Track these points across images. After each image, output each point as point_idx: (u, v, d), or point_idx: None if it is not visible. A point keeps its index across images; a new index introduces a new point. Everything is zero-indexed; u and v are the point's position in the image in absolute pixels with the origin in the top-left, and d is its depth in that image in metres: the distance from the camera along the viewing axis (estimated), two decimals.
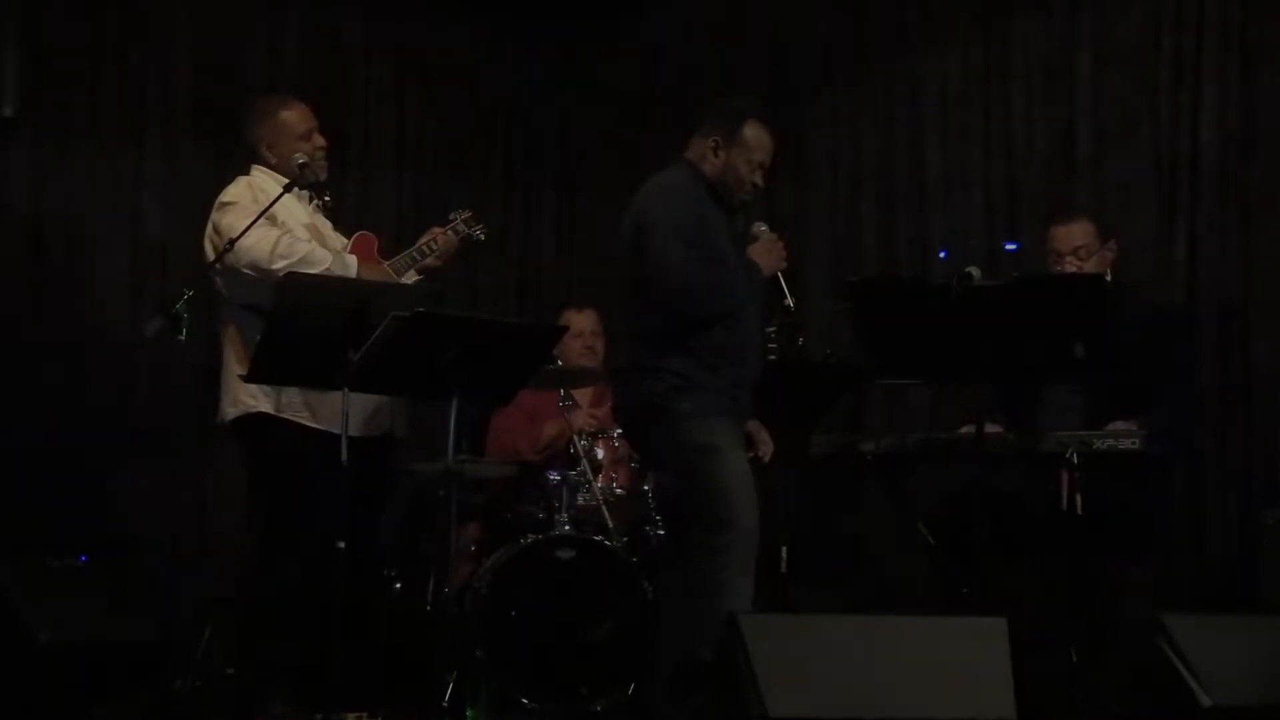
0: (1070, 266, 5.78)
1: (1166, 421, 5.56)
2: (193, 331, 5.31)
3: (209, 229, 5.77)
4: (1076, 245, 5.83)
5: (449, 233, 6.09)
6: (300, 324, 5.19)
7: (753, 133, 5.31)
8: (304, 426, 5.66)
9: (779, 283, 5.32)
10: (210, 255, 5.67)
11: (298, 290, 5.26)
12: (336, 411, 5.26)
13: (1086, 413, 5.69)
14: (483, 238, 6.34)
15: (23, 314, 7.45)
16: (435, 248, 6.02)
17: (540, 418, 6.92)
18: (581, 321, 7.08)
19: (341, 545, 5.09)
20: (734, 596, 4.92)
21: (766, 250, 5.30)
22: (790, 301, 5.33)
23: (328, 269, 5.64)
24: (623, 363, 5.41)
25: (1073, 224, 5.92)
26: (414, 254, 5.99)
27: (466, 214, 6.23)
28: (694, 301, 5.08)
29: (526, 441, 6.86)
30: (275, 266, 5.52)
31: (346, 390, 5.18)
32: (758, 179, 5.33)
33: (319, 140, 5.97)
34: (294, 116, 5.95)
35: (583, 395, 7.03)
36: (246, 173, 5.95)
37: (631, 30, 8.91)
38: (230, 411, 5.76)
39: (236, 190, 5.82)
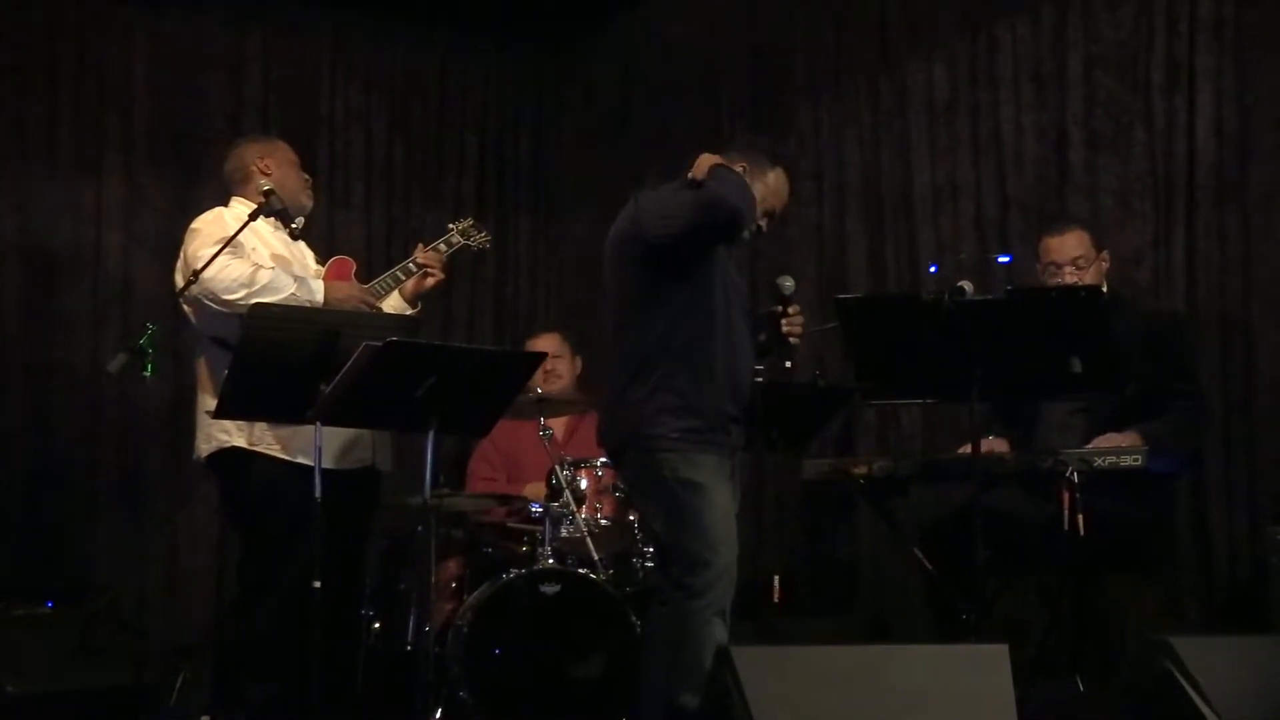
0: (1070, 278, 5.68)
1: (1170, 436, 5.45)
2: (158, 367, 5.19)
3: (180, 258, 5.71)
4: (1075, 255, 5.74)
5: (433, 250, 6.00)
6: (268, 356, 5.08)
7: (777, 178, 5.17)
8: (279, 460, 5.58)
9: (788, 348, 5.14)
10: (179, 284, 5.60)
11: (264, 321, 5.14)
12: (310, 443, 5.18)
13: (1088, 432, 5.57)
14: (488, 246, 6.38)
15: None
16: (418, 266, 5.92)
17: (518, 457, 6.90)
18: (540, 346, 6.92)
19: (318, 585, 4.98)
20: (714, 641, 4.75)
21: (792, 323, 5.12)
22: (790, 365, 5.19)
23: (292, 294, 5.55)
24: (607, 389, 5.20)
25: (1067, 234, 5.82)
26: (397, 274, 5.91)
27: (467, 222, 6.26)
28: (718, 209, 4.77)
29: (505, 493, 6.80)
30: (235, 296, 5.44)
31: (319, 424, 5.07)
32: (762, 223, 5.17)
33: (305, 175, 6.04)
34: (288, 150, 6.01)
35: (558, 424, 6.87)
36: (225, 205, 5.89)
37: (607, 46, 8.84)
38: (204, 448, 5.69)
39: (206, 218, 5.76)
